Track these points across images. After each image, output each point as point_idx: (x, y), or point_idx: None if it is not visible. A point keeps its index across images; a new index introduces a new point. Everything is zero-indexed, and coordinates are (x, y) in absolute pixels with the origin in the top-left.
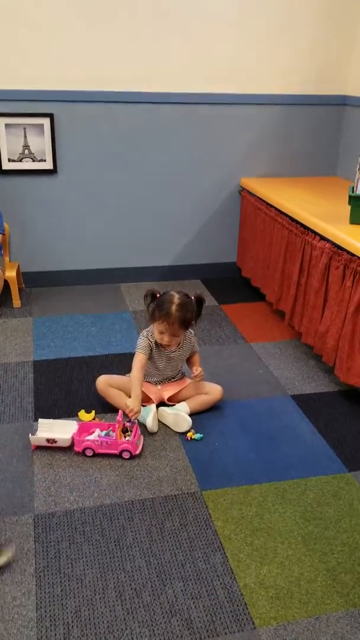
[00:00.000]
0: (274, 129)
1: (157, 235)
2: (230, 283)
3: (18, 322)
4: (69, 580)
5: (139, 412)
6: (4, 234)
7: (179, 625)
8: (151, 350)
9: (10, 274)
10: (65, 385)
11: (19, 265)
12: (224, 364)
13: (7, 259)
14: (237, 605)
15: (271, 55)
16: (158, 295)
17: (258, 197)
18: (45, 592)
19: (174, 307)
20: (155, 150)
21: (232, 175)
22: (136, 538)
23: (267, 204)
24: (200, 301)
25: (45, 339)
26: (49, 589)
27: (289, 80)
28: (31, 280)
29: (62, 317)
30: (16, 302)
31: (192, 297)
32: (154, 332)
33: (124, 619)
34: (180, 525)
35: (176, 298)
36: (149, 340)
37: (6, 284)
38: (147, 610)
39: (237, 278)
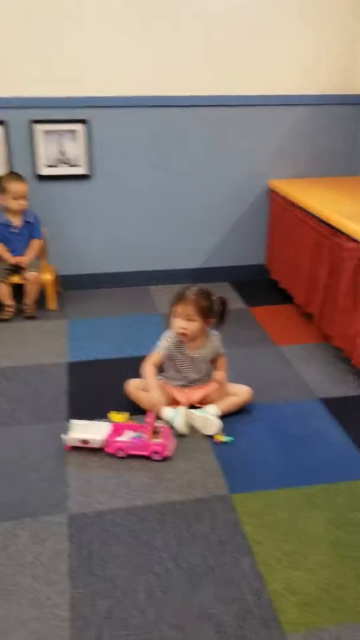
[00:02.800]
0: (300, 130)
1: (186, 238)
2: (258, 285)
3: (53, 324)
4: (100, 582)
5: (160, 400)
6: (41, 239)
7: (208, 630)
8: (170, 352)
9: (47, 277)
10: (98, 387)
11: (55, 269)
12: (252, 367)
13: (43, 262)
14: (266, 611)
15: (297, 56)
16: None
17: (286, 198)
18: (78, 592)
19: (188, 291)
20: (185, 154)
21: (260, 177)
22: (166, 541)
23: (295, 205)
24: (223, 303)
25: (79, 341)
26: (82, 589)
27: (315, 80)
28: (66, 284)
29: (95, 319)
30: (52, 305)
31: (216, 297)
32: (172, 325)
33: (155, 622)
34: (210, 528)
35: (194, 287)
36: (168, 341)
37: (43, 287)
38: (177, 614)
39: (266, 280)
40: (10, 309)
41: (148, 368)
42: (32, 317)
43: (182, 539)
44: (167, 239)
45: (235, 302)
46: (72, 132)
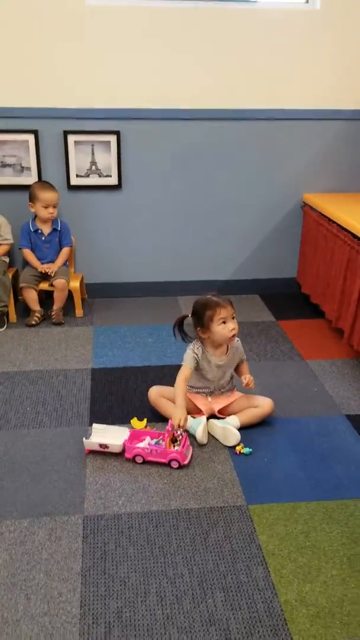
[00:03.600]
0: (336, 144)
1: (216, 250)
2: (289, 299)
3: (79, 331)
4: (112, 581)
5: (184, 418)
6: (71, 247)
7: (217, 635)
8: (197, 362)
9: (74, 284)
10: (120, 393)
11: (82, 277)
12: (278, 380)
13: (72, 270)
14: (277, 620)
15: (333, 70)
16: (185, 317)
17: (320, 212)
18: (89, 591)
19: (214, 297)
20: (216, 166)
21: (294, 191)
22: (180, 546)
23: (329, 219)
24: None
25: (104, 348)
26: (94, 588)
27: (351, 95)
28: (94, 292)
29: (121, 327)
30: (79, 312)
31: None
32: (216, 334)
33: (164, 624)
34: (224, 536)
35: (209, 294)
36: (195, 353)
37: (70, 294)
38: (187, 617)
39: (297, 294)
40: (37, 315)
41: (180, 385)
42: (59, 324)
43: (196, 546)
44: (197, 250)
45: (265, 315)
46: (104, 143)
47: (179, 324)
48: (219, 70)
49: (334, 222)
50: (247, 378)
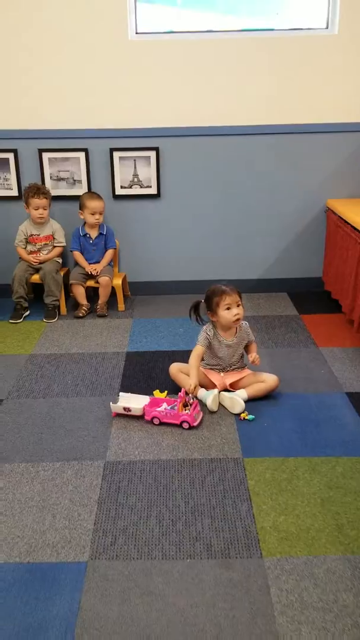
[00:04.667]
0: (358, 154)
1: (246, 251)
2: (314, 296)
3: (120, 322)
4: (122, 508)
5: (195, 385)
6: (115, 249)
7: (200, 547)
8: (209, 342)
9: (117, 282)
10: (148, 372)
11: (125, 275)
12: (290, 363)
13: (116, 269)
14: (251, 540)
15: (355, 87)
16: (200, 302)
17: (339, 216)
18: (102, 513)
19: (223, 286)
20: (246, 176)
21: (318, 197)
22: (180, 485)
23: (345, 221)
24: None
25: (139, 336)
26: (106, 511)
27: None
28: (135, 289)
29: (156, 319)
30: (120, 306)
31: None
32: (222, 318)
33: (159, 538)
34: (219, 480)
35: (218, 284)
36: (207, 333)
37: (113, 290)
38: (178, 534)
39: (322, 292)
40: (84, 308)
41: (193, 359)
42: (102, 316)
43: (194, 485)
44: (229, 251)
45: (288, 310)
46: (145, 158)
47: (195, 307)
48: (246, 91)
49: (348, 223)
50: (253, 356)
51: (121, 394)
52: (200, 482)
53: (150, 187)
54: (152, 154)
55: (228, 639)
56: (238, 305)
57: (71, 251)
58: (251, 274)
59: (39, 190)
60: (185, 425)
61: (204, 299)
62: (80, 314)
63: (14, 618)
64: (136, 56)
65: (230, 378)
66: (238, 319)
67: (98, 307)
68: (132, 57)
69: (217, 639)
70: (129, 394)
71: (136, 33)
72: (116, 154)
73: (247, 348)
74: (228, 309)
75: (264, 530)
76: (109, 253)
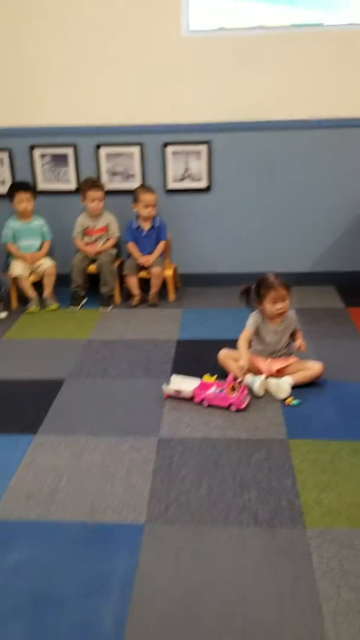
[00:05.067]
0: None
1: (295, 244)
2: None
3: (170, 312)
4: (174, 479)
5: (244, 364)
6: (166, 241)
7: (247, 517)
8: (257, 327)
9: (168, 273)
10: (197, 358)
11: (176, 267)
12: (335, 354)
13: (167, 261)
14: (295, 512)
15: None
16: (250, 287)
17: None
18: (157, 483)
19: (272, 278)
20: (297, 170)
21: None
22: (228, 461)
23: None
24: None
25: (189, 325)
26: (160, 482)
27: None
28: (186, 281)
29: (206, 310)
30: (171, 297)
31: None
32: (268, 306)
33: (208, 507)
34: (265, 458)
35: (269, 274)
36: (255, 319)
37: (164, 281)
38: (226, 505)
39: None
40: (137, 298)
41: (242, 342)
42: (154, 305)
43: (241, 462)
44: (277, 244)
45: (336, 303)
46: (197, 152)
47: (246, 292)
48: (296, 86)
49: None
50: (299, 342)
51: (173, 376)
52: (247, 459)
53: (201, 180)
54: (204, 148)
55: (272, 598)
56: (284, 300)
57: (125, 243)
58: (300, 267)
59: (94, 183)
60: (233, 408)
61: (254, 285)
62: (133, 303)
63: (79, 570)
64: (189, 53)
65: (276, 365)
66: (281, 313)
67: (150, 297)
68: (185, 54)
69: (261, 597)
70: (180, 377)
71: (189, 30)
72: (169, 149)
73: (293, 336)
74: (274, 302)
75: (307, 504)
76: (161, 245)
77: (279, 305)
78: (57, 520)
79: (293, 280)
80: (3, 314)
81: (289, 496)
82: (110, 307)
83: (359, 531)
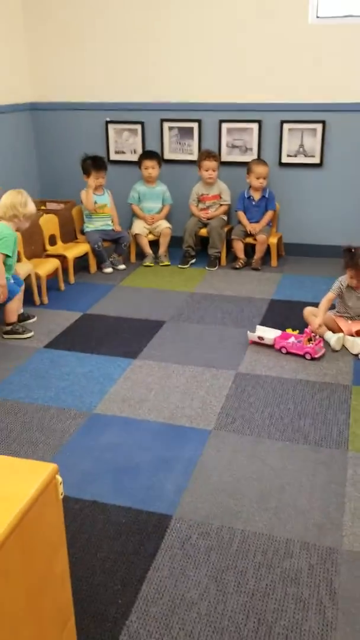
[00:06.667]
0: None
1: None
2: None
3: (270, 275)
4: (243, 403)
5: (319, 323)
6: (274, 211)
7: (299, 436)
8: (341, 291)
9: (272, 240)
10: (285, 315)
11: (281, 236)
12: None
13: (274, 229)
14: (342, 439)
15: None
16: (352, 250)
17: None
18: (228, 404)
19: None
20: None
21: None
22: (293, 395)
23: None
24: None
25: (284, 288)
26: (230, 403)
27: None
28: (290, 250)
29: (305, 276)
30: (274, 263)
31: None
32: (347, 276)
33: (267, 425)
34: (326, 396)
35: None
36: (341, 284)
37: (268, 248)
38: (284, 425)
39: None
40: (241, 261)
41: (323, 302)
42: (256, 269)
43: (305, 397)
44: None
45: None
46: (312, 130)
47: (348, 250)
48: None
49: None
50: None
51: (258, 326)
52: (311, 396)
53: (314, 157)
54: (319, 126)
55: (305, 491)
56: None
57: (236, 211)
58: None
59: (209, 154)
60: (308, 356)
61: (348, 249)
62: (237, 266)
63: (154, 452)
64: (314, 38)
65: (356, 326)
66: (356, 287)
67: (254, 261)
68: (310, 39)
69: (296, 490)
70: (265, 327)
71: (317, 17)
72: (286, 126)
73: None
74: (352, 277)
75: (355, 435)
76: (268, 214)
77: (354, 282)
78: (143, 419)
79: None
80: (122, 266)
81: (340, 427)
82: (216, 268)
83: None
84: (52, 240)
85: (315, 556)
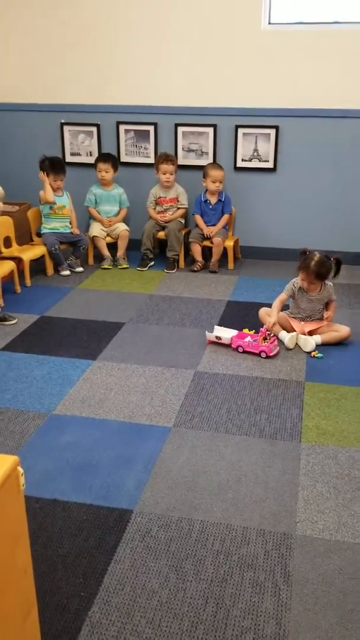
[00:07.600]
0: None
1: (351, 226)
2: None
3: (227, 278)
4: (202, 400)
5: (273, 322)
6: (230, 214)
7: (255, 431)
8: (294, 293)
9: (229, 243)
10: (242, 315)
11: (237, 239)
12: None
13: (230, 233)
14: (295, 432)
15: None
16: (307, 252)
17: None
18: (186, 402)
19: (312, 263)
20: (357, 155)
21: None
22: (249, 392)
23: None
24: (338, 262)
25: (241, 290)
26: (190, 401)
27: None
28: (246, 252)
29: (260, 279)
30: (230, 265)
31: (332, 259)
32: (299, 279)
33: (225, 421)
34: (281, 392)
35: (317, 257)
36: (293, 285)
37: (225, 251)
38: (240, 421)
39: None
40: (199, 264)
41: (276, 302)
42: (213, 272)
43: (260, 394)
44: (335, 225)
45: None
46: (266, 135)
47: (302, 254)
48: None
49: None
50: (328, 314)
51: (216, 326)
52: (266, 392)
53: (268, 161)
54: (273, 131)
55: (260, 482)
56: (313, 284)
57: (193, 214)
58: (355, 248)
59: (167, 157)
60: (263, 355)
61: (303, 252)
62: (195, 269)
63: (113, 450)
64: (267, 44)
65: (308, 326)
66: (310, 290)
67: (211, 264)
68: (263, 45)
69: (252, 481)
70: (222, 327)
71: (269, 23)
72: (240, 131)
73: (327, 305)
74: (303, 280)
75: (307, 427)
76: (225, 218)
77: (305, 285)
78: (103, 418)
79: (347, 259)
80: (80, 268)
81: (294, 420)
82: (175, 270)
83: (344, 449)
84: (7, 243)
85: (270, 542)
